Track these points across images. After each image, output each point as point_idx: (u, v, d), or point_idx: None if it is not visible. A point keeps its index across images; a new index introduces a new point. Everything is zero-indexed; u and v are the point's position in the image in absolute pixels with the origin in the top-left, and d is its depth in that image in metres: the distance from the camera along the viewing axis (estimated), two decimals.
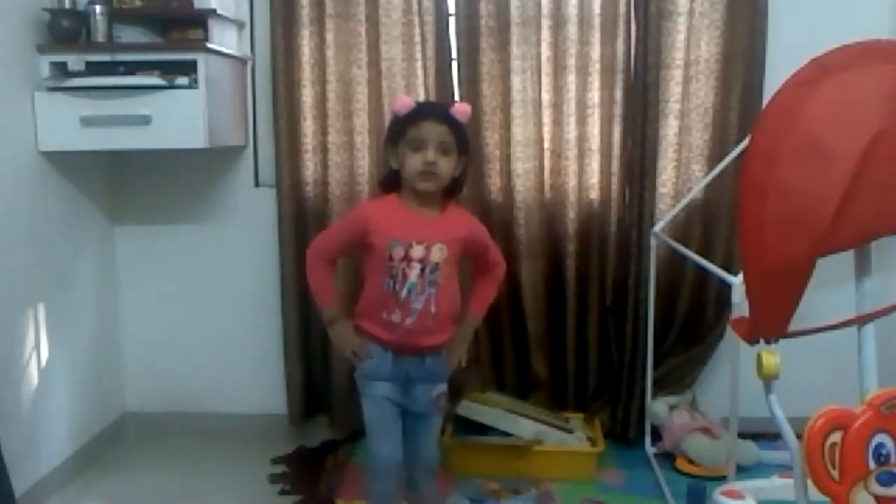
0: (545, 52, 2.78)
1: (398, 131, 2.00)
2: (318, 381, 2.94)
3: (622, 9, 2.72)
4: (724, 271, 2.14)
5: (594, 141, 2.81)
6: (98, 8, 2.48)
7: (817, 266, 1.32)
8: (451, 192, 2.05)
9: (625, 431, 2.86)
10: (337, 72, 2.78)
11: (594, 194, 2.85)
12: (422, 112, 2.00)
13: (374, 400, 2.04)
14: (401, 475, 2.07)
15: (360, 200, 2.78)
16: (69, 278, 2.69)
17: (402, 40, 2.77)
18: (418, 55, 2.77)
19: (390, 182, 2.05)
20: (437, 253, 1.97)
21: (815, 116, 1.29)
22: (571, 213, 2.84)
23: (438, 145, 1.94)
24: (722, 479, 2.13)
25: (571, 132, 2.80)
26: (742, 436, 2.43)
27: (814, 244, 1.29)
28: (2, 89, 2.33)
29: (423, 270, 1.96)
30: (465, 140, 2.02)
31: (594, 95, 2.79)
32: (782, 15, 2.72)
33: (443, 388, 2.09)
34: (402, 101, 2.03)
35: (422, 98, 2.76)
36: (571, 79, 2.78)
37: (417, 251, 1.96)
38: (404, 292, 1.96)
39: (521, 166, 2.82)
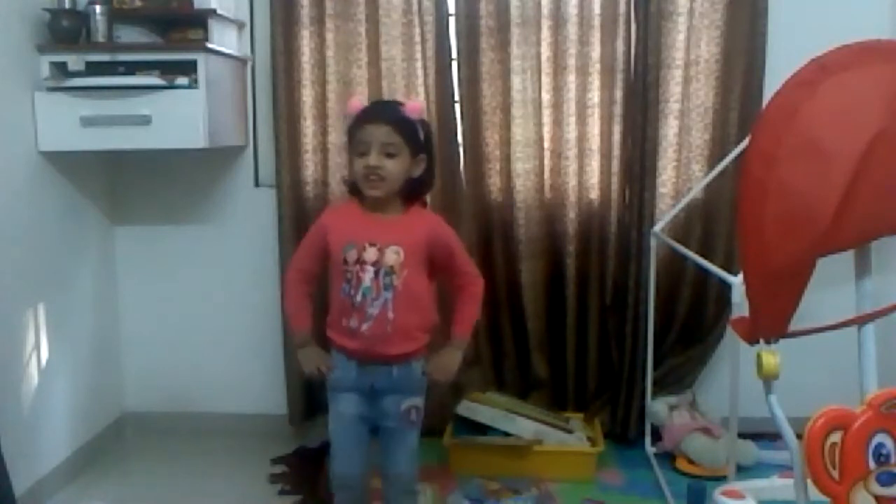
0: (545, 52, 2.78)
1: (349, 136, 1.97)
2: (318, 381, 2.93)
3: (622, 9, 2.72)
4: (724, 271, 2.13)
5: (594, 141, 2.81)
6: (98, 8, 2.48)
7: (817, 266, 1.32)
8: (412, 194, 1.97)
9: (625, 431, 2.86)
10: (337, 72, 2.78)
11: (594, 194, 2.85)
12: (364, 115, 1.93)
13: (337, 415, 2.01)
14: (363, 489, 2.05)
15: None
16: (69, 278, 2.69)
17: (402, 40, 2.77)
18: (418, 55, 2.77)
19: (355, 187, 1.99)
20: (392, 256, 1.90)
21: (815, 116, 1.29)
22: (571, 213, 2.84)
23: (381, 147, 1.87)
24: (722, 479, 2.13)
25: (571, 132, 2.80)
26: (742, 436, 2.42)
27: (814, 244, 1.29)
28: (2, 89, 2.33)
29: (377, 273, 1.89)
30: (418, 139, 1.93)
31: (594, 95, 2.79)
32: (782, 15, 2.72)
33: (414, 401, 1.99)
34: (352, 103, 1.98)
35: (422, 98, 2.76)
36: (571, 79, 2.78)
37: (370, 253, 1.90)
38: (359, 296, 1.90)
39: (521, 166, 2.82)
